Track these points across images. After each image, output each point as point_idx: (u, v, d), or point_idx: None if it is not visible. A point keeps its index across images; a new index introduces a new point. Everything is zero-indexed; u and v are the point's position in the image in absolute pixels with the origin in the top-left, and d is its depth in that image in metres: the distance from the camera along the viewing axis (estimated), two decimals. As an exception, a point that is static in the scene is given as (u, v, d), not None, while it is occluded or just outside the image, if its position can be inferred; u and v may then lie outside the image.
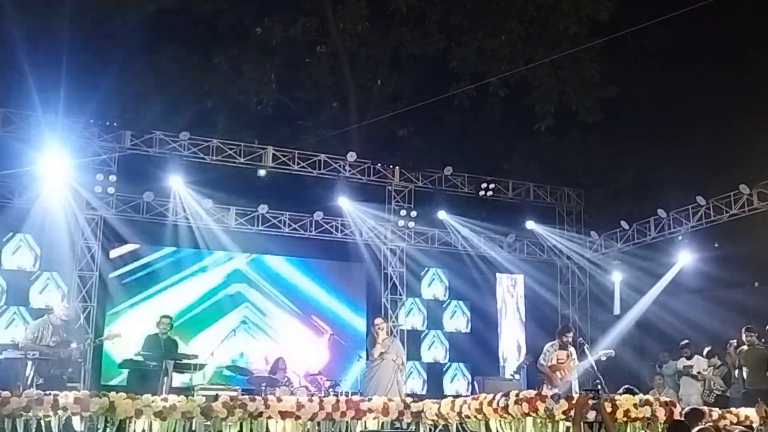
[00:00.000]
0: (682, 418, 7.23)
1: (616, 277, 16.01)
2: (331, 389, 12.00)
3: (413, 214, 15.12)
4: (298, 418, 8.42)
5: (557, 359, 10.10)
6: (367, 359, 10.73)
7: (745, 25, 16.56)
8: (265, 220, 14.53)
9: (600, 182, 18.73)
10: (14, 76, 15.94)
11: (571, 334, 10.43)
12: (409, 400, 9.30)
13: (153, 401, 8.10)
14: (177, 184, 13.74)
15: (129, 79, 17.92)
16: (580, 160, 19.15)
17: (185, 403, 8.16)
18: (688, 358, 12.46)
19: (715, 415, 8.26)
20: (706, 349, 12.54)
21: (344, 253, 15.54)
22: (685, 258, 14.48)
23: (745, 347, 11.15)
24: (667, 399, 8.01)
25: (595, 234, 16.03)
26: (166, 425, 8.05)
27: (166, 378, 10.02)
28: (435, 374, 15.90)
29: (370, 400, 8.98)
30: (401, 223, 15.03)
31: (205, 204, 13.91)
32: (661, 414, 7.54)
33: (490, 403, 7.80)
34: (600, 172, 19.04)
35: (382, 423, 8.82)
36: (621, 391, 8.37)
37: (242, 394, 9.01)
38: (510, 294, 16.46)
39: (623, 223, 15.32)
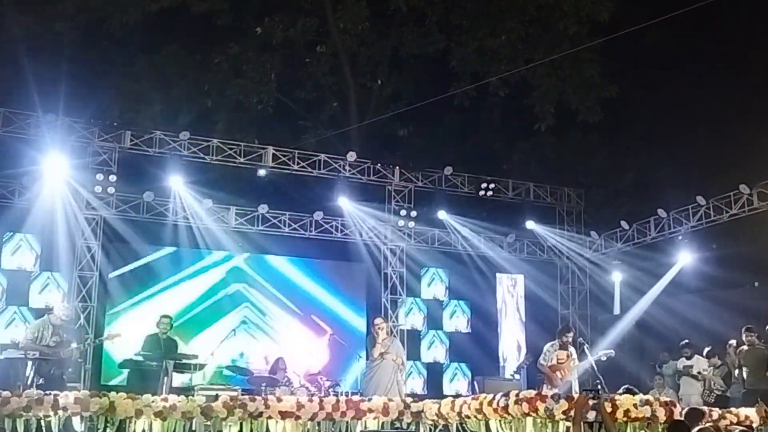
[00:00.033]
0: (682, 418, 7.23)
1: (616, 277, 16.01)
2: (331, 389, 11.99)
3: (413, 214, 15.12)
4: (298, 418, 8.42)
5: (557, 359, 10.10)
6: (367, 359, 10.73)
7: (745, 25, 16.56)
8: (265, 220, 14.53)
9: (600, 182, 18.73)
10: (14, 76, 15.96)
11: (571, 334, 10.42)
12: (409, 400, 9.30)
13: (153, 401, 8.10)
14: (177, 184, 13.74)
15: (129, 79, 17.95)
16: (580, 160, 19.16)
17: (185, 403, 8.17)
18: (688, 358, 12.45)
19: (715, 415, 8.26)
20: (706, 349, 12.53)
21: (344, 253, 15.54)
22: (685, 258, 14.48)
23: (745, 347, 11.14)
24: (667, 399, 8.00)
25: (595, 234, 16.03)
26: (166, 425, 8.05)
27: (166, 378, 10.02)
28: (435, 374, 15.89)
29: (370, 400, 8.98)
30: (401, 223, 15.03)
31: (205, 204, 13.91)
32: (661, 414, 7.54)
33: (490, 403, 7.80)
34: (600, 172, 19.04)
35: (382, 423, 8.82)
36: (621, 391, 8.37)
37: (242, 394, 9.01)
38: (510, 294, 16.46)
39: (623, 223, 15.32)
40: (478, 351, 16.00)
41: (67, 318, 10.23)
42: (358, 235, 15.05)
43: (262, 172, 14.30)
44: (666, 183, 16.67)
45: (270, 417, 8.33)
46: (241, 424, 8.25)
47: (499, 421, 7.76)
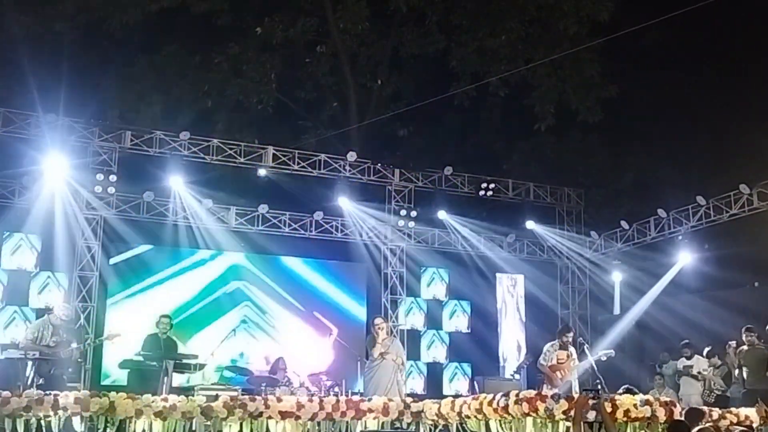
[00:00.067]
0: (682, 418, 7.23)
1: (616, 277, 16.02)
2: (331, 389, 11.98)
3: (413, 214, 15.12)
4: (298, 418, 8.41)
5: (557, 359, 10.10)
6: (367, 359, 10.72)
7: (745, 25, 16.58)
8: (265, 220, 14.53)
9: (600, 182, 18.74)
10: (14, 76, 15.98)
11: (571, 334, 10.42)
12: (409, 400, 9.29)
13: (153, 401, 8.10)
14: (177, 184, 13.75)
15: (129, 79, 17.96)
16: (580, 160, 19.16)
17: (185, 403, 8.16)
18: (688, 358, 12.45)
19: (715, 415, 8.25)
20: (706, 349, 12.53)
21: (344, 253, 15.54)
22: (685, 258, 14.48)
23: (745, 347, 11.13)
24: (667, 399, 8.00)
25: (595, 234, 16.03)
26: (166, 425, 8.05)
27: (166, 378, 10.02)
28: (435, 374, 15.88)
29: (370, 400, 8.98)
30: (401, 223, 15.03)
31: (205, 204, 13.91)
32: (661, 414, 7.54)
33: (490, 403, 7.80)
34: (600, 172, 19.05)
35: (382, 423, 8.81)
36: (621, 391, 8.37)
37: (242, 394, 9.01)
38: (510, 294, 16.45)
39: (623, 223, 15.32)
40: (478, 351, 16.00)
41: (67, 318, 10.22)
42: (358, 235, 15.06)
43: (262, 172, 14.31)
44: (666, 183, 16.68)
45: (270, 417, 8.32)
46: (241, 424, 8.25)
47: (499, 421, 7.75)
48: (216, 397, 8.36)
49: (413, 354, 15.35)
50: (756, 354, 11.01)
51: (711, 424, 7.56)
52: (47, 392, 8.09)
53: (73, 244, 13.00)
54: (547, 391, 8.69)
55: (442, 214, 15.53)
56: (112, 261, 13.93)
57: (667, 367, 12.85)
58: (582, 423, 7.02)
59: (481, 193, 15.41)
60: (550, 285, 16.31)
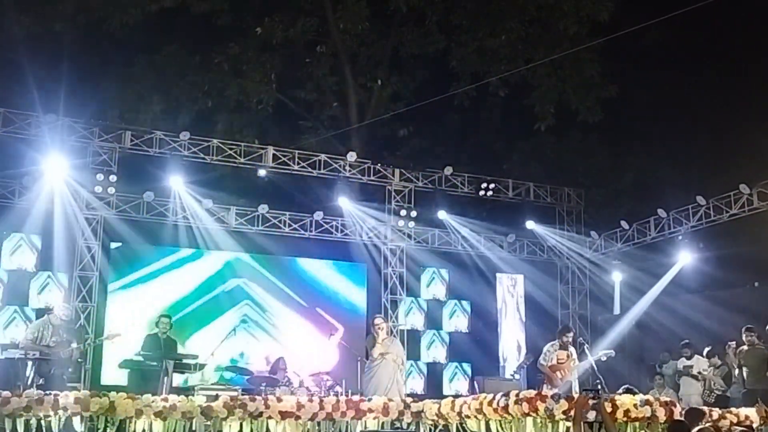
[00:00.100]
0: (682, 418, 7.23)
1: (616, 277, 16.02)
2: (331, 389, 11.97)
3: (413, 214, 15.11)
4: (298, 418, 8.42)
5: (557, 359, 10.10)
6: (367, 359, 10.72)
7: (745, 25, 16.58)
8: (265, 220, 14.53)
9: (600, 182, 18.74)
10: (14, 76, 15.98)
11: (571, 334, 10.43)
12: (409, 400, 9.30)
13: (153, 401, 8.10)
14: (177, 184, 13.74)
15: (129, 79, 17.95)
16: (580, 160, 19.17)
17: (185, 403, 8.17)
18: (688, 358, 12.45)
19: (715, 415, 8.26)
20: (706, 349, 12.53)
21: (344, 253, 15.53)
22: (685, 258, 14.48)
23: (745, 347, 11.14)
24: (667, 399, 8.01)
25: (595, 234, 16.03)
26: (166, 425, 8.05)
27: (166, 378, 10.02)
28: (435, 374, 15.88)
29: (370, 400, 8.98)
30: (401, 223, 15.03)
31: (205, 204, 13.91)
32: (661, 414, 7.54)
33: (490, 403, 7.80)
34: (600, 172, 19.06)
35: (382, 423, 8.82)
36: (621, 391, 8.38)
37: (242, 394, 9.01)
38: (510, 294, 16.45)
39: (623, 223, 15.32)
40: (478, 351, 16.00)
41: (67, 318, 10.24)
42: (358, 235, 15.05)
43: (262, 172, 14.31)
44: (666, 183, 16.67)
45: (270, 417, 8.33)
46: (241, 424, 8.25)
47: (499, 421, 7.76)
48: (216, 397, 8.37)
49: (413, 354, 15.35)
50: (756, 354, 11.01)
51: (711, 424, 7.56)
52: (47, 392, 8.11)
53: (73, 244, 12.99)
54: (547, 391, 8.69)
55: (442, 214, 15.53)
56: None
57: (667, 367, 12.86)
58: (582, 423, 7.02)
59: (481, 193, 15.41)
60: (550, 285, 16.31)
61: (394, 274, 15.06)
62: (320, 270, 15.52)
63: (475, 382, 14.19)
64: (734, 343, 11.70)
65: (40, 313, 11.94)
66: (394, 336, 12.41)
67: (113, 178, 13.17)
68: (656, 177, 17.95)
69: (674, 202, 14.47)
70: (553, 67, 18.14)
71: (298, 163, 14.34)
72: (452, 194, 15.59)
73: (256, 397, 8.66)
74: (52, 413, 7.84)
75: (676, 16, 11.10)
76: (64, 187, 12.83)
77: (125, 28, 17.60)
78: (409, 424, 8.98)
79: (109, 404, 7.90)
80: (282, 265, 15.24)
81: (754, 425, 8.12)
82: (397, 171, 15.12)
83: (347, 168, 14.65)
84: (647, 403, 7.57)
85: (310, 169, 14.44)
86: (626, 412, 7.46)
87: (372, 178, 14.93)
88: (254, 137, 16.04)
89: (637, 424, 7.53)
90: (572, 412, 7.09)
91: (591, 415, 7.19)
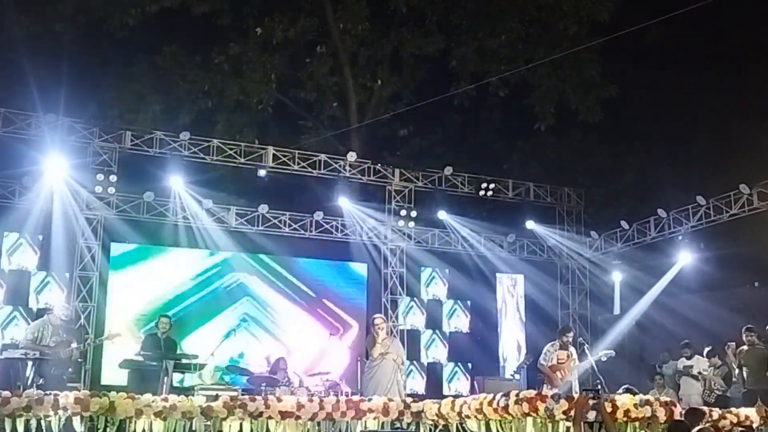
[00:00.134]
0: (682, 418, 7.23)
1: (616, 277, 16.02)
2: (331, 389, 11.97)
3: (413, 214, 15.11)
4: (298, 418, 8.42)
5: (557, 359, 10.10)
6: (367, 359, 10.72)
7: (745, 25, 16.58)
8: (265, 220, 14.53)
9: (600, 182, 18.74)
10: (14, 76, 15.97)
11: (571, 334, 10.43)
12: (409, 400, 9.29)
13: (153, 401, 8.10)
14: (177, 184, 13.74)
15: (129, 79, 17.96)
16: (580, 160, 19.17)
17: (185, 403, 8.17)
18: (688, 358, 12.45)
19: (715, 415, 8.26)
20: (706, 349, 12.53)
21: (344, 253, 15.53)
22: (685, 258, 14.48)
23: (745, 347, 11.14)
24: (667, 399, 8.01)
25: (595, 234, 16.03)
26: (166, 425, 8.05)
27: (166, 378, 10.02)
28: (435, 374, 15.88)
29: (370, 400, 8.98)
30: (401, 223, 15.03)
31: (205, 204, 13.91)
32: (661, 414, 7.54)
33: (490, 403, 7.80)
34: (600, 172, 19.06)
35: (382, 423, 8.81)
36: (621, 391, 8.38)
37: (242, 394, 9.01)
38: (510, 294, 16.45)
39: (623, 223, 15.32)
40: (478, 351, 16.00)
41: (67, 318, 10.24)
42: (358, 235, 15.05)
43: (262, 172, 14.30)
44: (666, 183, 16.68)
45: (270, 417, 8.33)
46: (241, 424, 8.25)
47: (499, 421, 7.76)
48: (216, 397, 8.37)
49: (413, 354, 15.34)
50: (756, 354, 11.01)
51: (711, 424, 7.57)
52: (47, 392, 8.10)
53: (73, 244, 12.99)
54: (547, 391, 8.69)
55: (442, 214, 15.53)
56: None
57: (667, 367, 12.86)
58: (582, 423, 7.02)
59: (481, 193, 15.40)
60: (550, 285, 16.30)
61: (394, 274, 15.06)
62: (320, 271, 15.50)
63: (475, 382, 14.20)
64: (733, 344, 11.69)
65: (40, 313, 11.94)
66: (394, 336, 12.40)
67: (113, 178, 13.18)
68: (656, 177, 17.96)
69: (674, 202, 14.47)
70: (553, 67, 18.15)
71: (298, 163, 14.34)
72: (452, 194, 15.59)
73: (256, 397, 8.66)
74: (52, 413, 7.84)
75: (676, 16, 11.10)
76: (64, 187, 12.83)
77: (125, 28, 17.60)
78: (409, 424, 8.98)
79: (109, 404, 7.89)
80: (282, 264, 15.22)
81: (754, 425, 8.12)
82: (397, 171, 15.12)
83: (347, 168, 14.65)
84: (647, 403, 7.57)
85: (310, 169, 14.44)
86: (626, 412, 7.46)
87: (372, 178, 14.93)
88: (254, 137, 16.03)
89: (637, 424, 7.52)
90: (572, 412, 7.09)
91: (591, 415, 7.19)
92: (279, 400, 8.53)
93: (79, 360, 10.71)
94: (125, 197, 13.58)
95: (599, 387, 7.94)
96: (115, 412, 7.91)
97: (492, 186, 15.42)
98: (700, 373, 12.24)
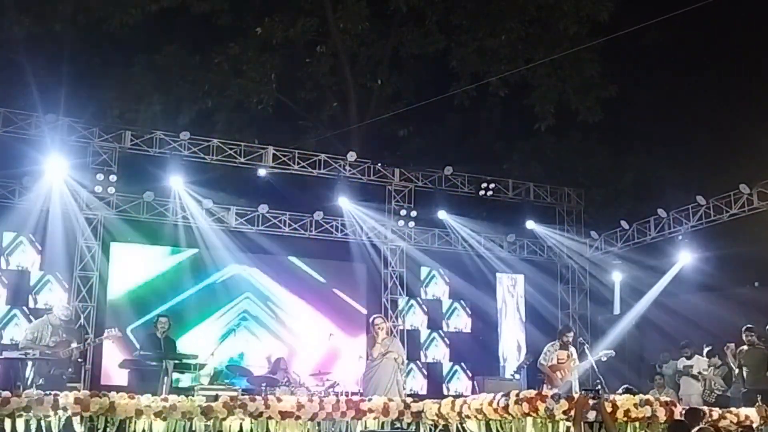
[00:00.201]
0: (682, 418, 7.23)
1: (616, 277, 16.02)
2: (331, 389, 11.98)
3: (413, 214, 15.10)
4: (298, 418, 8.42)
5: (558, 359, 10.11)
6: (367, 359, 10.72)
7: (746, 25, 16.59)
8: (265, 220, 14.52)
9: (600, 182, 18.74)
10: (14, 76, 15.98)
11: (571, 334, 10.44)
12: (409, 400, 9.30)
13: (153, 401, 8.10)
14: (177, 184, 13.74)
15: (129, 79, 17.95)
16: (580, 160, 19.17)
17: (185, 403, 8.17)
18: (688, 358, 12.45)
19: (715, 415, 8.27)
20: (706, 349, 12.54)
21: (344, 253, 15.51)
22: (685, 258, 14.48)
23: (745, 347, 11.14)
24: (667, 399, 8.01)
25: (595, 234, 16.02)
26: (166, 425, 8.05)
27: (166, 378, 10.03)
28: (435, 374, 15.88)
29: (370, 400, 8.98)
30: (401, 223, 15.03)
31: (205, 204, 13.91)
32: (661, 414, 7.55)
33: (490, 403, 7.80)
34: (600, 172, 19.06)
35: (382, 423, 8.81)
36: (621, 391, 8.38)
37: (242, 394, 9.01)
38: (510, 294, 16.46)
39: (623, 223, 15.31)
40: (478, 351, 16.00)
41: (67, 318, 10.24)
42: (358, 235, 15.05)
43: (262, 172, 14.30)
44: (666, 183, 16.69)
45: (270, 417, 8.33)
46: (241, 424, 8.25)
47: (499, 421, 7.76)
48: (216, 397, 8.37)
49: (413, 354, 15.34)
50: (756, 354, 11.01)
51: (711, 424, 7.57)
52: (47, 392, 8.10)
53: (73, 244, 12.99)
54: (547, 391, 8.68)
55: (442, 214, 15.52)
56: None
57: (667, 367, 12.86)
58: (582, 423, 7.02)
59: (481, 193, 15.40)
60: (550, 285, 16.30)
61: (394, 274, 15.06)
62: (320, 271, 15.48)
63: (475, 382, 14.20)
64: (733, 344, 11.70)
65: (40, 313, 11.93)
66: (394, 336, 12.40)
67: (113, 178, 13.17)
68: (656, 177, 17.97)
69: (674, 202, 14.47)
70: (553, 67, 18.15)
71: (298, 163, 14.34)
72: (452, 194, 15.58)
73: (256, 397, 8.66)
74: (52, 413, 7.84)
75: (676, 16, 11.10)
76: (64, 187, 12.83)
77: (125, 28, 17.59)
78: (409, 424, 8.98)
79: (109, 404, 7.89)
80: (281, 267, 15.21)
81: (754, 425, 8.12)
82: (397, 171, 15.12)
83: (347, 168, 14.65)
84: (647, 403, 7.58)
85: (310, 169, 14.44)
86: (626, 412, 7.46)
87: (372, 178, 14.92)
88: (254, 137, 16.01)
89: (637, 424, 7.53)
90: (572, 412, 7.10)
91: (591, 415, 7.20)
92: (279, 400, 8.53)
93: (79, 360, 10.69)
94: (125, 197, 13.56)
95: (599, 387, 7.94)
96: (115, 412, 7.91)
97: (492, 186, 15.41)
98: (700, 373, 12.25)
